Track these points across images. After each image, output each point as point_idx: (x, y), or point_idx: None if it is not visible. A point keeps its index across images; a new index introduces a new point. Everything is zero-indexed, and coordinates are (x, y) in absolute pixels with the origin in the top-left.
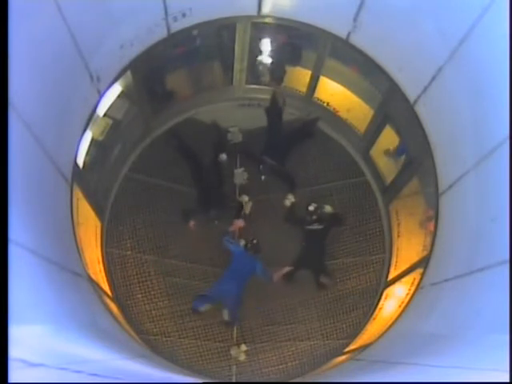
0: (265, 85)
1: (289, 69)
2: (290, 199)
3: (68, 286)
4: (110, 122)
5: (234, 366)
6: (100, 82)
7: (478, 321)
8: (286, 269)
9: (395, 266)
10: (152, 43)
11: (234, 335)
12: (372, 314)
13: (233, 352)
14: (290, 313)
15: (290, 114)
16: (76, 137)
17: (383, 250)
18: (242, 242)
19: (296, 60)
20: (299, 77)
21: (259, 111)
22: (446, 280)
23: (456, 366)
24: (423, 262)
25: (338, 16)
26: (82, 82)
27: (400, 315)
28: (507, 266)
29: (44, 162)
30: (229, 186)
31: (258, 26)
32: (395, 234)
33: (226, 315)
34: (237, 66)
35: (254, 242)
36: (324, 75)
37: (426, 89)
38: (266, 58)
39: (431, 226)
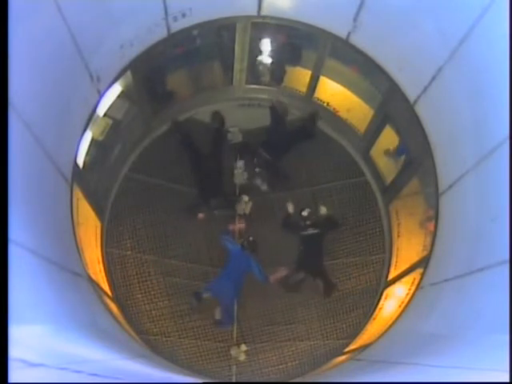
0: (265, 85)
1: (289, 69)
2: (290, 207)
3: (68, 286)
4: (110, 122)
5: (234, 366)
6: (100, 82)
7: (478, 321)
8: (283, 271)
9: (395, 265)
10: (152, 43)
11: (234, 335)
12: (372, 314)
13: (233, 352)
14: (289, 313)
15: (289, 114)
16: (76, 137)
17: (383, 249)
18: (239, 241)
19: (296, 60)
20: (299, 77)
21: (259, 111)
22: (445, 280)
23: (456, 366)
24: (423, 262)
25: (338, 16)
26: (82, 82)
27: (400, 315)
28: (507, 266)
29: (44, 162)
30: (229, 185)
31: (258, 26)
32: (395, 234)
33: (217, 314)
34: (237, 66)
35: (251, 239)
36: (324, 75)
37: (425, 89)
38: (266, 58)
39: (431, 226)
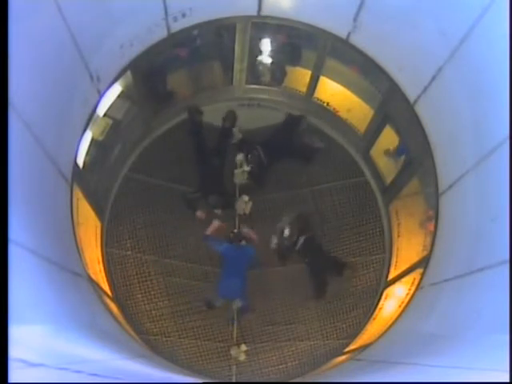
0: (265, 85)
1: (289, 69)
2: (273, 241)
3: (68, 286)
4: (110, 122)
5: (234, 366)
6: (100, 82)
7: (478, 321)
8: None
9: (395, 265)
10: (152, 43)
11: (234, 335)
12: (372, 314)
13: (233, 352)
14: (289, 313)
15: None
16: (76, 137)
17: (383, 249)
18: (225, 238)
19: (296, 60)
20: (299, 77)
21: (259, 111)
22: (445, 280)
23: (456, 366)
24: (423, 262)
25: (338, 16)
26: (82, 82)
27: (400, 315)
28: (507, 266)
29: (44, 162)
30: (229, 185)
31: (258, 26)
32: (395, 234)
33: (238, 303)
34: (237, 66)
35: (235, 231)
36: (324, 75)
37: (425, 89)
38: (266, 58)
39: (431, 226)
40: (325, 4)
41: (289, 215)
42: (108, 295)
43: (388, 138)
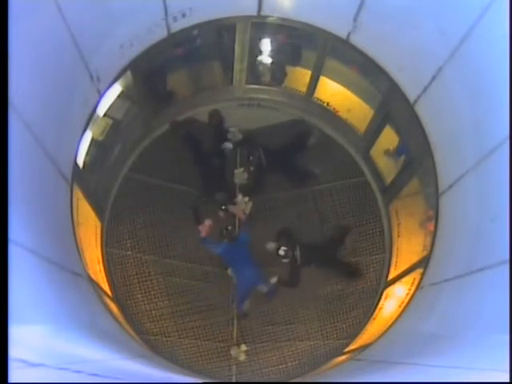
0: (265, 85)
1: (289, 69)
2: (271, 246)
3: (68, 286)
4: (110, 122)
5: (234, 366)
6: (100, 82)
7: (478, 321)
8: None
9: (395, 265)
10: (152, 43)
11: (234, 335)
12: (372, 314)
13: (233, 352)
14: (289, 313)
15: (289, 114)
16: (76, 137)
17: (383, 249)
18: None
19: (296, 60)
20: (299, 77)
21: (259, 111)
22: (445, 280)
23: (456, 366)
24: (423, 262)
25: (338, 16)
26: (82, 82)
27: (400, 315)
28: (507, 266)
29: (44, 162)
30: (229, 185)
31: (258, 26)
32: (395, 234)
33: (263, 288)
34: (237, 66)
35: (229, 228)
36: (324, 75)
37: (425, 89)
38: (266, 58)
39: (431, 226)
40: (325, 4)
41: (271, 238)
42: (108, 295)
43: (388, 138)
